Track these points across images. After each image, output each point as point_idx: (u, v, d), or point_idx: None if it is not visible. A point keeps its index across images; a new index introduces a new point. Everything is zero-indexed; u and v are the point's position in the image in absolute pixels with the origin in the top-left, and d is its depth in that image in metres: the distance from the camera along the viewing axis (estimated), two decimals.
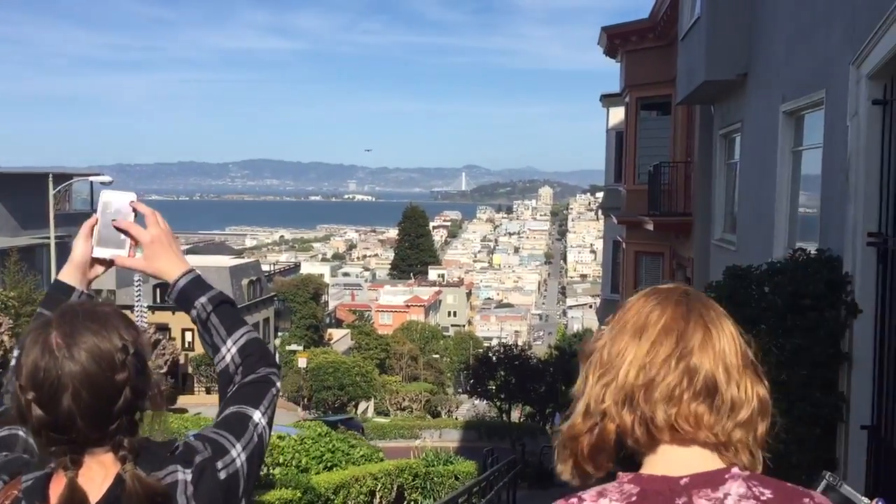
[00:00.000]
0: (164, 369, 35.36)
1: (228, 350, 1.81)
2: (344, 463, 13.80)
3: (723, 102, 12.86)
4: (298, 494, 8.20)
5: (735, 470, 1.34)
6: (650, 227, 16.86)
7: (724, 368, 1.36)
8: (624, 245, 20.29)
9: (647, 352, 1.37)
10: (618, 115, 25.57)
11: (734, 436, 1.35)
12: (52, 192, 25.92)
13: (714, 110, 13.64)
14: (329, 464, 13.60)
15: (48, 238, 27.77)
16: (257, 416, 1.72)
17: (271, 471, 12.22)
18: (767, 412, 1.39)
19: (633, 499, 1.32)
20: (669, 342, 1.36)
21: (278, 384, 1.83)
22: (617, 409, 1.38)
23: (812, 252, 7.41)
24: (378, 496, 12.52)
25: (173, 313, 56.22)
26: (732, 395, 1.35)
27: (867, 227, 6.63)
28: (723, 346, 1.37)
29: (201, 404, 46.00)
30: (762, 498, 1.31)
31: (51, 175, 26.87)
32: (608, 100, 26.63)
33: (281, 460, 13.37)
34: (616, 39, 19.31)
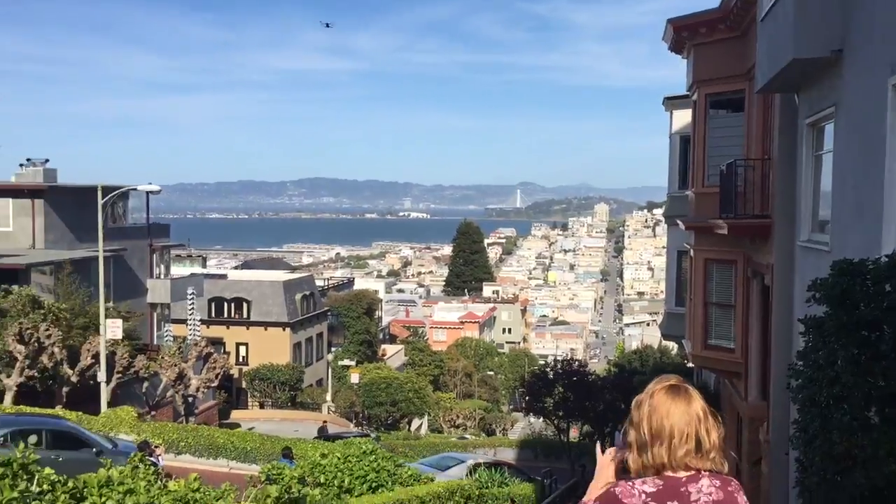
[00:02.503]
0: (215, 383, 34.82)
1: None
2: (390, 483, 12.74)
3: (810, 87, 11.55)
4: None
5: (704, 473, 2.75)
6: (723, 231, 15.51)
7: (705, 431, 2.77)
8: (692, 253, 18.91)
9: (675, 431, 2.76)
10: (682, 118, 24.24)
11: (711, 464, 2.76)
12: (100, 202, 25.60)
13: (798, 98, 12.32)
14: (374, 484, 12.56)
15: (104, 251, 27.49)
16: None
17: (311, 492, 11.26)
18: (722, 446, 2.79)
19: (661, 486, 2.72)
20: (685, 425, 2.75)
21: None
22: (664, 459, 2.75)
23: None
24: None
25: (227, 327, 56.25)
26: (707, 447, 2.75)
27: None
28: (706, 424, 2.78)
29: (254, 419, 45.62)
30: (716, 485, 2.73)
31: (100, 187, 26.55)
32: (671, 102, 25.32)
33: (322, 480, 12.40)
34: (683, 32, 18.05)
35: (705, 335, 18.00)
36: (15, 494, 4.43)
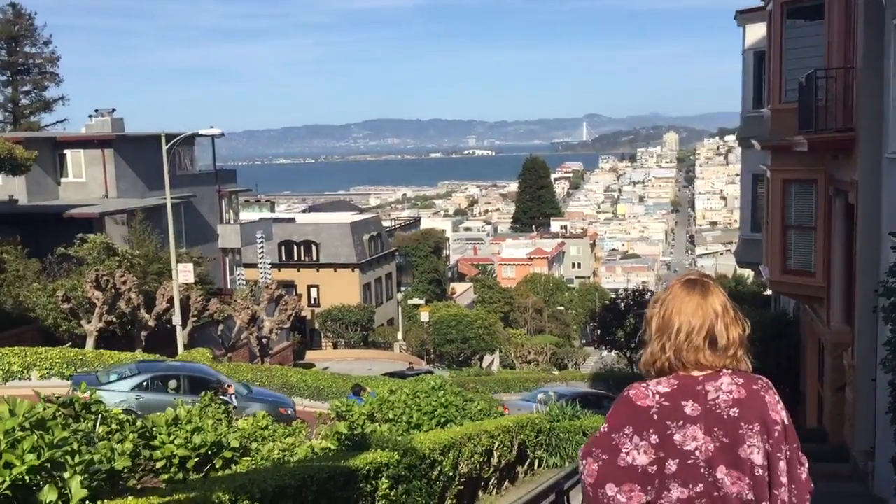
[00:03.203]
0: (288, 324, 35.43)
1: None
2: (459, 419, 12.59)
3: None
4: (396, 457, 7.03)
5: (724, 371, 2.61)
6: (803, 148, 14.60)
7: (723, 327, 2.60)
8: (768, 174, 17.97)
9: (683, 326, 2.62)
10: (756, 32, 22.95)
11: (727, 362, 2.62)
12: (164, 148, 25.84)
13: None
14: (442, 419, 12.44)
15: (173, 197, 27.89)
16: None
17: (380, 427, 11.19)
18: (743, 343, 2.63)
19: (675, 385, 2.60)
20: (696, 320, 2.60)
21: None
22: (669, 355, 2.64)
23: None
24: (496, 455, 11.26)
25: (298, 270, 57.11)
26: (724, 343, 2.60)
27: None
28: (725, 319, 2.61)
29: (328, 359, 46.52)
30: (738, 383, 2.57)
31: (163, 134, 26.78)
32: (744, 16, 23.93)
33: (391, 416, 12.33)
34: None
35: (784, 260, 17.21)
36: (66, 434, 4.28)
